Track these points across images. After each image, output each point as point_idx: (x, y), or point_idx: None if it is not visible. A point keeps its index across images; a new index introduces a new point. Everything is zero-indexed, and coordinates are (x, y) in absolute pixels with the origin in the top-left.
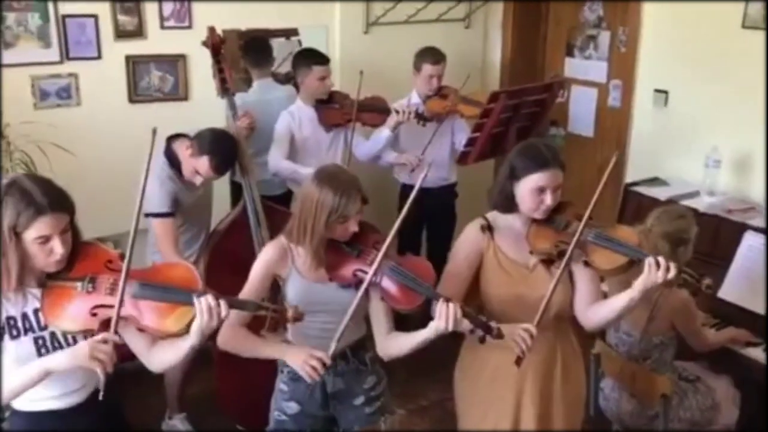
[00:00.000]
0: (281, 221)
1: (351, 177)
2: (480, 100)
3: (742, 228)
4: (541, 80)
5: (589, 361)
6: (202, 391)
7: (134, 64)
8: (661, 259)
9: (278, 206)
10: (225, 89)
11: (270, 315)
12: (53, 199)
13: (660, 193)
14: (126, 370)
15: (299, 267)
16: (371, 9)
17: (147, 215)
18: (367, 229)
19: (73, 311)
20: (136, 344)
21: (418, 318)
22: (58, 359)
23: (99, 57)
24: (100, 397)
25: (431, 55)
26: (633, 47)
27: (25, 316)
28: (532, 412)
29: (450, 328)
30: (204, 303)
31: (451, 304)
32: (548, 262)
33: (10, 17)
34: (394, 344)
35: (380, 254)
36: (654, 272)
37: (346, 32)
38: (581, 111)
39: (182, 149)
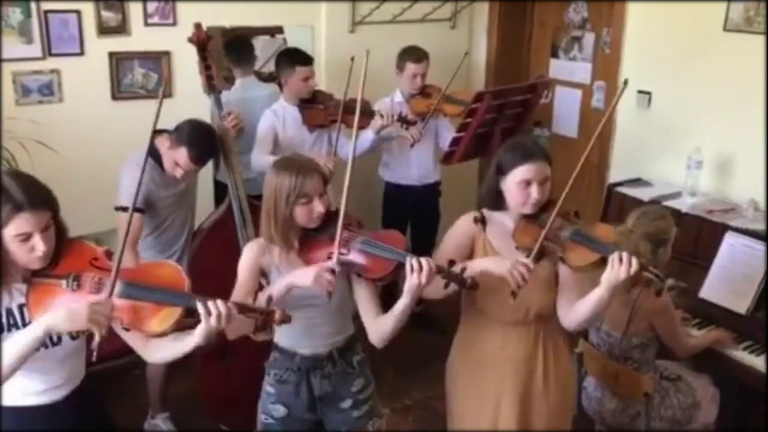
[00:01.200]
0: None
1: (307, 159)
2: (464, 98)
3: (723, 229)
4: (525, 81)
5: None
6: (186, 390)
7: (117, 61)
8: (624, 255)
9: None
10: (211, 86)
11: (258, 318)
12: (33, 196)
13: (643, 193)
14: (108, 369)
15: (278, 263)
16: (357, 8)
17: (116, 209)
18: (338, 214)
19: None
20: (131, 338)
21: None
22: (56, 318)
23: (82, 53)
24: (93, 358)
25: (414, 53)
26: (617, 49)
27: (9, 312)
28: (512, 409)
29: (423, 280)
30: (213, 308)
31: (421, 259)
32: (538, 257)
33: None
34: (382, 325)
35: (339, 225)
36: (617, 267)
37: (331, 31)
38: (565, 112)
39: (162, 143)
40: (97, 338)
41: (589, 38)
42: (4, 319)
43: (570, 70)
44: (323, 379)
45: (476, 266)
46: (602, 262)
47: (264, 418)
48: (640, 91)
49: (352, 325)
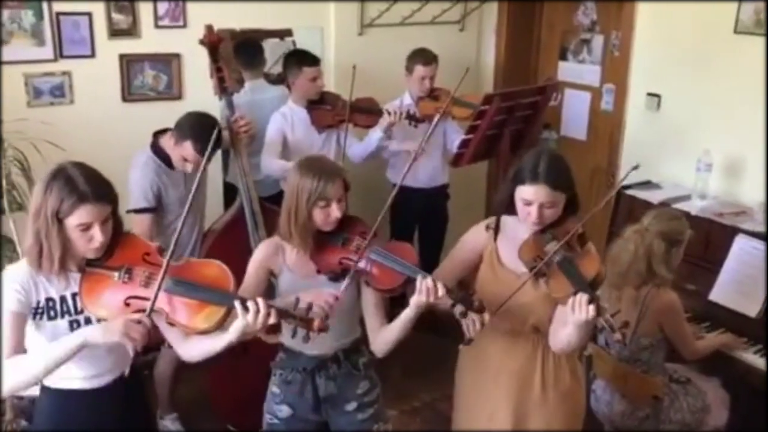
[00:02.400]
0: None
1: (332, 163)
2: (473, 101)
3: (733, 231)
4: (534, 83)
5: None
6: (194, 391)
7: (128, 63)
8: (583, 299)
9: (276, 207)
10: (223, 89)
11: (296, 324)
12: (96, 189)
13: (652, 196)
14: None
15: (290, 263)
16: (366, 11)
17: (127, 212)
18: (354, 220)
19: (108, 299)
20: (170, 333)
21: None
22: (93, 332)
23: (93, 55)
24: (126, 373)
25: (423, 56)
26: (626, 51)
27: (63, 299)
28: (507, 419)
29: (431, 299)
30: (253, 308)
31: (430, 278)
32: (533, 273)
33: (4, 14)
34: (384, 335)
35: (367, 241)
36: (577, 311)
37: (340, 34)
38: (574, 114)
39: (167, 142)
40: (131, 354)
41: (598, 40)
42: (58, 306)
43: (579, 72)
44: (328, 381)
45: None
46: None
47: (269, 419)
48: (649, 94)
49: (359, 328)
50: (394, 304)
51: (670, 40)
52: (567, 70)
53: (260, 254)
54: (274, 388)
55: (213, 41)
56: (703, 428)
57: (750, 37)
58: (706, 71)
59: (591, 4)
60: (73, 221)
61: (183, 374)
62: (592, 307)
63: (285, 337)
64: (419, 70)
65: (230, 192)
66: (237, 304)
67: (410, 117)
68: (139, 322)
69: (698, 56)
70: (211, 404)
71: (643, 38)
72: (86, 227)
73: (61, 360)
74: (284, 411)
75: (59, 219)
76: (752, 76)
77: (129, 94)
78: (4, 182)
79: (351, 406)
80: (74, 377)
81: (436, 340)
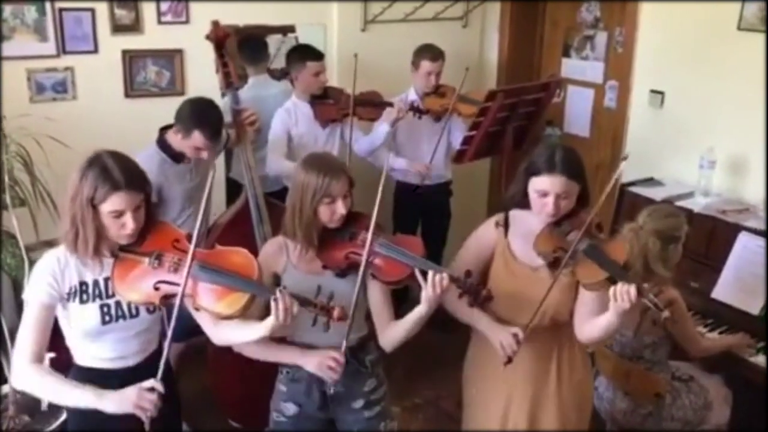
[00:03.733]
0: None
1: (336, 160)
2: (478, 99)
3: (736, 229)
4: (537, 80)
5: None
6: (196, 388)
7: (131, 59)
8: (622, 287)
9: (280, 203)
10: (229, 83)
11: (317, 313)
12: (130, 178)
13: (655, 193)
14: None
15: (294, 260)
16: (369, 7)
17: None
18: (359, 215)
19: (139, 283)
20: (202, 318)
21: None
22: (107, 402)
23: (95, 51)
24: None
25: (430, 52)
26: (629, 48)
27: (96, 283)
28: (522, 409)
29: (439, 290)
30: (281, 304)
31: (436, 269)
32: (554, 265)
33: (7, 10)
34: (394, 331)
35: (369, 233)
36: (620, 300)
37: (343, 30)
38: (577, 111)
39: (173, 137)
40: (146, 422)
41: (601, 37)
42: (91, 290)
43: (582, 69)
44: None
45: (477, 324)
46: (609, 281)
47: (276, 416)
48: (652, 91)
49: (365, 325)
50: (397, 302)
51: (674, 37)
52: (570, 66)
53: (263, 256)
54: (280, 385)
55: (219, 36)
56: (706, 425)
57: (754, 34)
58: (710, 68)
59: (594, 1)
60: (106, 208)
61: (185, 370)
62: (633, 290)
63: (291, 335)
64: (425, 65)
65: (233, 187)
66: (272, 301)
67: (414, 109)
68: (151, 389)
69: (702, 53)
70: (215, 400)
71: (646, 35)
72: (119, 214)
73: (69, 404)
74: (291, 409)
75: (93, 205)
76: (756, 73)
77: (132, 89)
78: (6, 178)
79: (358, 403)
80: (101, 358)
81: (438, 337)
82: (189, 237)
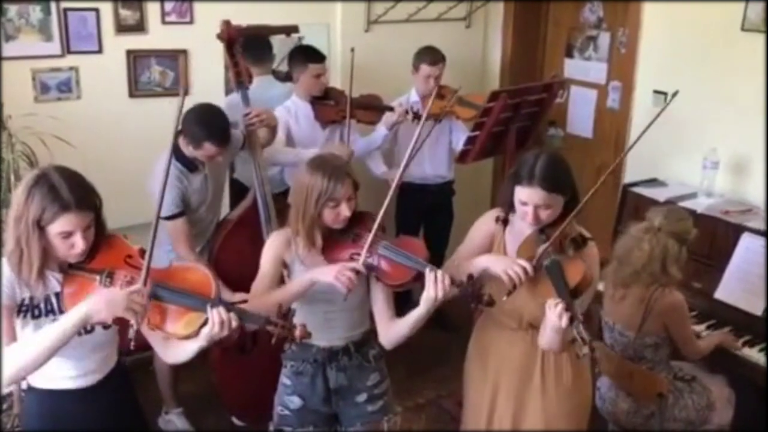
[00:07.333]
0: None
1: (341, 162)
2: (477, 102)
3: (739, 229)
4: (540, 81)
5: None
6: (199, 386)
7: (135, 59)
8: (561, 310)
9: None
10: (239, 82)
11: (278, 332)
12: (79, 197)
13: (658, 194)
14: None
15: (300, 256)
16: (372, 8)
17: (162, 218)
18: (364, 216)
19: None
20: (153, 337)
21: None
22: (95, 307)
23: (100, 51)
24: (132, 347)
25: (429, 55)
26: (633, 48)
27: (47, 299)
28: (507, 404)
29: (440, 295)
30: (216, 315)
31: (439, 273)
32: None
33: (12, 10)
34: (395, 330)
35: (371, 234)
36: (556, 317)
37: (347, 31)
38: (580, 112)
39: (186, 146)
40: (135, 326)
41: (604, 38)
42: (42, 305)
43: (585, 69)
44: (339, 372)
45: (478, 263)
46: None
47: (280, 410)
48: (656, 91)
49: (368, 320)
50: (399, 303)
51: (677, 37)
52: (573, 67)
53: (272, 247)
54: (285, 379)
55: (230, 36)
56: (708, 426)
57: (757, 34)
58: (714, 69)
59: (597, 2)
60: (54, 229)
61: (187, 370)
62: (565, 316)
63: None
64: (425, 69)
65: (237, 188)
66: (209, 311)
67: (415, 114)
68: (139, 293)
69: (705, 53)
70: (218, 398)
71: (649, 35)
72: (68, 235)
73: (64, 337)
74: (295, 402)
75: (40, 227)
76: (759, 74)
77: (136, 89)
78: (12, 177)
79: (361, 397)
80: (62, 377)
81: (440, 337)
82: (142, 252)
